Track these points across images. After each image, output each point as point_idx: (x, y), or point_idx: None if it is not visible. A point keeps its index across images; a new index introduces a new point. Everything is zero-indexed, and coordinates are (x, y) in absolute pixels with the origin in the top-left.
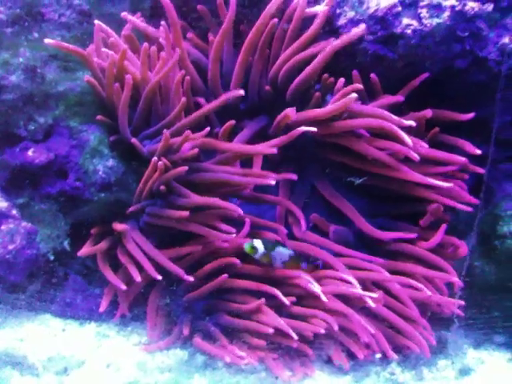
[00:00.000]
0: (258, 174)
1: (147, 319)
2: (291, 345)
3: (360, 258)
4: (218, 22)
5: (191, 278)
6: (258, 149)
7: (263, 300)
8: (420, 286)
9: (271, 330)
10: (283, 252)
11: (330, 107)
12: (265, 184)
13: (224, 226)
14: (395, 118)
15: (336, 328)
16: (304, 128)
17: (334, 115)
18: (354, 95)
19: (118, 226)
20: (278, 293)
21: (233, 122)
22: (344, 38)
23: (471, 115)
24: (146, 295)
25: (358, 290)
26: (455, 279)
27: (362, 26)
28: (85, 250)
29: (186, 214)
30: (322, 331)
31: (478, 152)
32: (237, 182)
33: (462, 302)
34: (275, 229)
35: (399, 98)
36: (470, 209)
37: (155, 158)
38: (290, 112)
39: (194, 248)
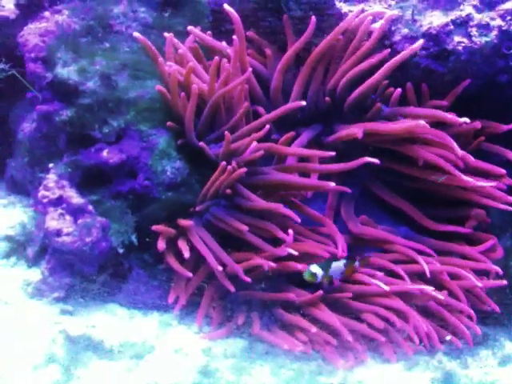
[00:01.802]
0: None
1: (200, 307)
2: (332, 343)
3: (416, 248)
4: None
5: (248, 279)
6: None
7: (321, 292)
8: (469, 275)
9: (314, 330)
10: (339, 265)
11: (402, 126)
12: (324, 189)
13: (280, 234)
14: (449, 115)
15: (399, 325)
16: (368, 159)
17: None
18: (423, 122)
19: (183, 222)
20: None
21: (293, 133)
22: (404, 53)
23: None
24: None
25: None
26: (496, 268)
27: (420, 42)
28: (158, 228)
29: (244, 227)
30: (382, 339)
31: None
32: (300, 184)
33: (505, 282)
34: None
35: (443, 102)
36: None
37: (224, 163)
38: (358, 132)
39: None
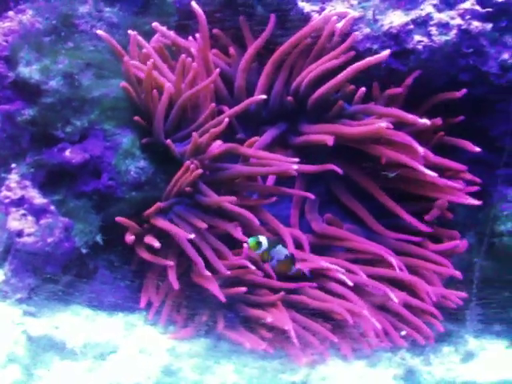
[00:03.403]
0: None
1: (164, 307)
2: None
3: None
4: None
5: (208, 273)
6: (280, 164)
7: (282, 294)
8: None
9: (270, 319)
10: (282, 251)
11: (363, 129)
12: (287, 173)
13: (237, 234)
14: (410, 116)
15: (351, 322)
16: (333, 166)
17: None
18: (385, 124)
19: (151, 209)
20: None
21: (257, 138)
22: (370, 60)
23: (464, 91)
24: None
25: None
26: (457, 273)
27: (386, 52)
28: (121, 219)
29: (204, 225)
30: (335, 340)
31: (478, 150)
32: (263, 172)
33: (465, 294)
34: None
35: (398, 90)
36: (477, 202)
37: (188, 162)
38: (328, 139)
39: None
